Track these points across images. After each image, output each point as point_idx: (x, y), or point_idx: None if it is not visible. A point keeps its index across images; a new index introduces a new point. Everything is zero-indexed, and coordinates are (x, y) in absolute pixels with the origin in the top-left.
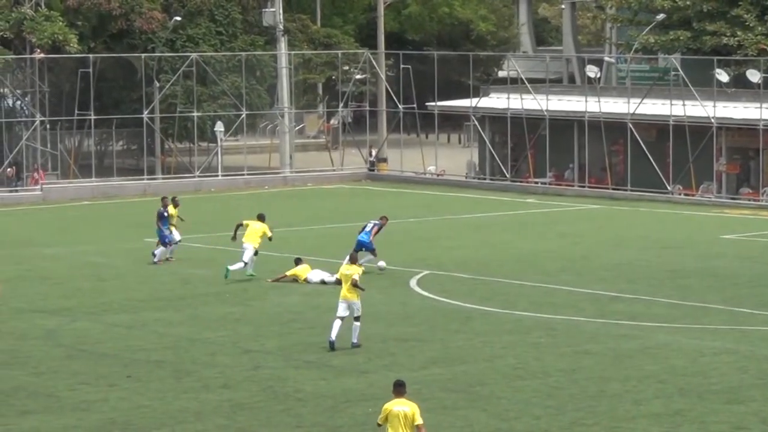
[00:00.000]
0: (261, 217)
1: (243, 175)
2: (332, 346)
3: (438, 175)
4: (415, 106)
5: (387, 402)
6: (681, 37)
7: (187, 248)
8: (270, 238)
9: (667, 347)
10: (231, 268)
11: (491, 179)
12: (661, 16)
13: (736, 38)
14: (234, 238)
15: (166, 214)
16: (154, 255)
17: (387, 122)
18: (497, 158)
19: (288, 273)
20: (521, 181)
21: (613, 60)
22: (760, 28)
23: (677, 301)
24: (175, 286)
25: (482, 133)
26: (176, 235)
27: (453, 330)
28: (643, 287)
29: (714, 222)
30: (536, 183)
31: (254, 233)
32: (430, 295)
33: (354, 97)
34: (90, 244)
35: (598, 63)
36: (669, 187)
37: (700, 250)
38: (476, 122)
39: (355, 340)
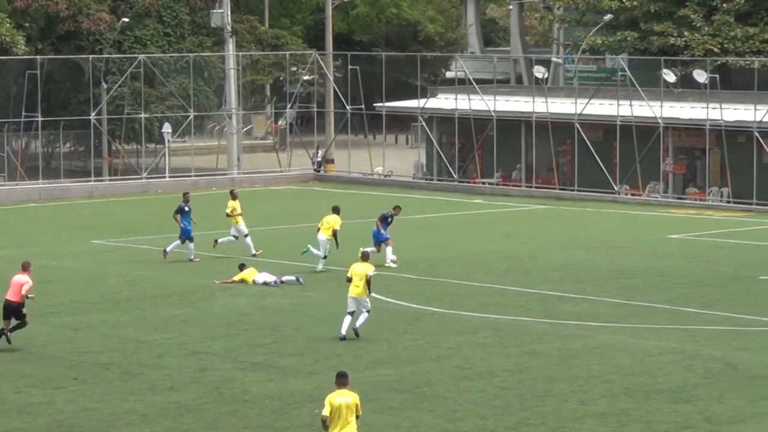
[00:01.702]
0: (336, 210)
1: (190, 176)
2: (343, 339)
3: (385, 176)
4: (362, 106)
5: (330, 394)
6: (628, 38)
7: (134, 250)
8: (335, 232)
9: (614, 347)
10: (312, 249)
11: (439, 180)
12: (608, 17)
13: (683, 38)
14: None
15: (186, 208)
16: (165, 252)
17: (335, 123)
18: (445, 159)
19: (235, 278)
20: (469, 182)
21: (560, 60)
22: (706, 29)
23: (624, 300)
24: (121, 287)
25: (430, 133)
26: (243, 228)
27: (400, 331)
28: (590, 287)
29: (660, 222)
30: (484, 183)
31: (327, 225)
32: (378, 296)
33: (302, 98)
34: (37, 246)
35: (546, 63)
36: (616, 187)
37: (646, 249)
38: (424, 123)
39: (357, 326)
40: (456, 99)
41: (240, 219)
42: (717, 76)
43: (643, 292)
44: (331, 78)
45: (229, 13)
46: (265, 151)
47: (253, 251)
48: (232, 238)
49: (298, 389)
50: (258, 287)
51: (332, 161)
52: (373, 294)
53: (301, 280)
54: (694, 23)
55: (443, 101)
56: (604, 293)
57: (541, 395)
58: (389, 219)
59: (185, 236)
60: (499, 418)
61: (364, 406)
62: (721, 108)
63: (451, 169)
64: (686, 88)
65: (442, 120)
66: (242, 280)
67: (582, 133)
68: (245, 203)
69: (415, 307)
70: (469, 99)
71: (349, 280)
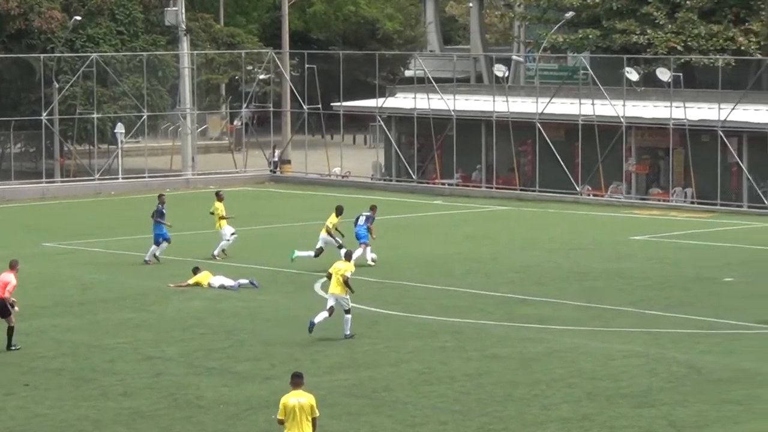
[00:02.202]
0: (338, 209)
1: (144, 177)
2: (311, 328)
3: (343, 176)
4: (320, 106)
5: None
6: (590, 36)
7: (86, 252)
8: (336, 228)
9: (576, 350)
10: (299, 253)
11: (397, 181)
12: (569, 14)
13: (645, 36)
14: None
15: (164, 211)
16: (156, 258)
17: (291, 123)
18: (403, 159)
19: (190, 281)
20: (428, 183)
21: (521, 59)
22: (669, 26)
23: (586, 303)
24: (74, 291)
25: (388, 133)
26: (227, 231)
27: (358, 335)
28: (552, 289)
29: (623, 223)
30: (443, 184)
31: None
32: None
33: (258, 97)
34: None
35: (506, 62)
36: (578, 188)
37: (609, 251)
38: (382, 123)
39: (347, 332)
40: (415, 98)
41: (224, 222)
42: (680, 74)
43: (606, 295)
44: (288, 77)
45: (183, 11)
46: (220, 152)
47: (215, 253)
48: (229, 241)
49: (254, 394)
50: (213, 291)
51: (289, 162)
52: None
53: (255, 283)
54: (657, 21)
55: (402, 100)
56: (566, 296)
57: (502, 400)
58: (369, 219)
59: (163, 238)
60: (460, 424)
61: (322, 411)
62: (685, 107)
63: (410, 170)
64: (649, 86)
65: (401, 120)
66: (197, 284)
67: (543, 133)
68: (199, 205)
69: (373, 310)
70: (429, 98)
71: (329, 276)
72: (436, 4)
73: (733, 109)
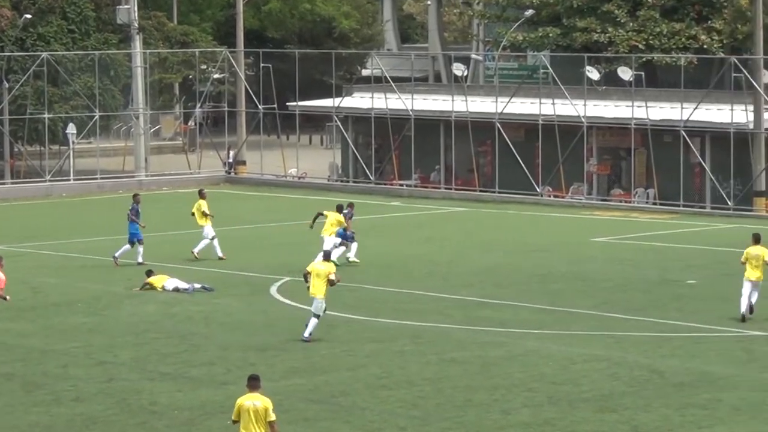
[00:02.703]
0: (339, 208)
1: (96, 179)
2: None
3: (299, 177)
4: (275, 106)
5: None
6: (550, 34)
7: (37, 255)
8: (345, 229)
9: (537, 354)
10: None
11: (355, 182)
12: (529, 12)
13: (606, 35)
14: (312, 226)
15: (139, 210)
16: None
17: (246, 123)
18: (361, 160)
19: (145, 283)
20: (386, 184)
21: (480, 58)
22: (631, 24)
23: (546, 306)
24: (25, 295)
25: (345, 134)
26: (209, 232)
27: (314, 339)
28: (512, 292)
29: (584, 224)
30: (401, 185)
31: (329, 224)
32: (292, 303)
33: (212, 97)
34: None
35: (465, 61)
36: (538, 189)
37: (569, 253)
38: (339, 123)
39: (307, 335)
40: (372, 98)
41: (207, 220)
42: (642, 73)
43: (567, 297)
44: (243, 76)
45: (135, 9)
46: (174, 153)
47: (196, 251)
48: (207, 240)
49: (209, 400)
50: (167, 294)
51: (244, 163)
52: (287, 301)
53: (208, 287)
54: (618, 19)
55: (359, 100)
56: (526, 298)
57: (462, 405)
58: (347, 215)
59: (137, 239)
60: (418, 429)
61: (278, 416)
62: (647, 106)
63: (367, 171)
64: (610, 85)
65: (358, 120)
66: (151, 286)
67: (503, 133)
68: (151, 207)
69: (330, 314)
70: (386, 98)
71: (306, 278)
72: (394, 2)
73: (695, 108)
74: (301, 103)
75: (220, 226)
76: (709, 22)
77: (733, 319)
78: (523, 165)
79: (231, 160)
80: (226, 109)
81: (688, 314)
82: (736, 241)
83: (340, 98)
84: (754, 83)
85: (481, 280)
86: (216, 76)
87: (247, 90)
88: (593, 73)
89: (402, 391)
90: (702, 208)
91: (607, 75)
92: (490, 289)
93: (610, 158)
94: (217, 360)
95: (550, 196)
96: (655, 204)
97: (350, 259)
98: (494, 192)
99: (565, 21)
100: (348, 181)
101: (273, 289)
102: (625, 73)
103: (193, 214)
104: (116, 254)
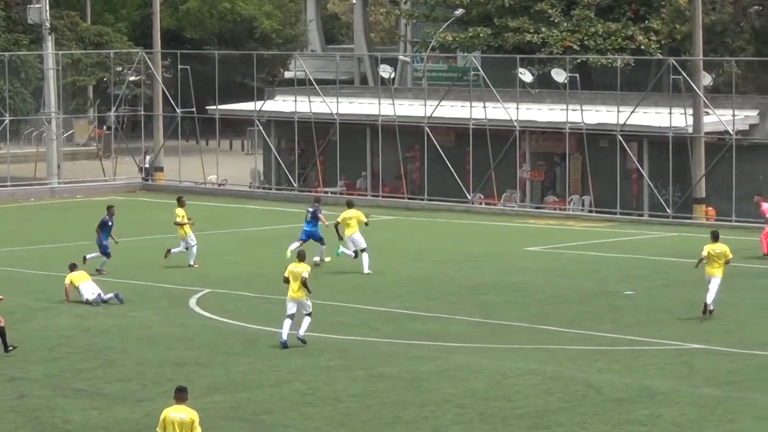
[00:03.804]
0: (350, 204)
1: (6, 186)
2: (284, 346)
3: (219, 184)
4: (194, 109)
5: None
6: (481, 35)
7: None
8: (366, 224)
9: (468, 369)
10: (344, 250)
11: (277, 189)
12: (459, 12)
13: (540, 35)
14: (342, 237)
15: (110, 223)
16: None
17: (164, 127)
18: (284, 166)
19: (66, 282)
20: (310, 191)
21: (408, 59)
22: (565, 24)
23: (478, 318)
24: None
25: (267, 138)
26: (191, 239)
27: (236, 353)
28: (442, 304)
29: (517, 233)
30: (326, 192)
31: (353, 223)
32: (212, 316)
33: (128, 100)
34: None
35: (393, 62)
36: (469, 196)
37: (502, 263)
38: (261, 127)
39: (301, 334)
40: (295, 101)
41: (188, 229)
42: (577, 75)
43: (499, 309)
44: (160, 78)
45: (47, 8)
46: (88, 159)
47: (191, 263)
48: (184, 249)
49: (125, 417)
50: (81, 307)
51: (161, 169)
52: (207, 314)
53: (120, 297)
54: (551, 18)
55: (282, 103)
56: (457, 310)
57: (390, 422)
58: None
59: (102, 252)
60: None
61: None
62: (582, 110)
63: (290, 177)
64: (544, 88)
65: (281, 124)
66: (70, 282)
67: (432, 138)
68: (65, 215)
69: (252, 327)
70: (310, 101)
71: (286, 281)
72: (318, 2)
73: (632, 112)
74: (221, 107)
75: (137, 236)
76: (647, 21)
77: (673, 331)
78: (453, 171)
79: (148, 166)
80: (142, 113)
81: (626, 327)
82: (675, 250)
83: (262, 102)
84: (693, 85)
85: (410, 291)
86: (132, 78)
87: (164, 93)
88: (526, 75)
89: (328, 408)
90: (640, 216)
91: (540, 77)
92: (420, 300)
93: (544, 164)
94: (133, 376)
95: (481, 204)
96: (591, 211)
97: (325, 260)
98: (423, 199)
99: (497, 21)
100: (270, 188)
101: (192, 302)
102: (559, 75)
103: (176, 223)
104: (99, 267)
